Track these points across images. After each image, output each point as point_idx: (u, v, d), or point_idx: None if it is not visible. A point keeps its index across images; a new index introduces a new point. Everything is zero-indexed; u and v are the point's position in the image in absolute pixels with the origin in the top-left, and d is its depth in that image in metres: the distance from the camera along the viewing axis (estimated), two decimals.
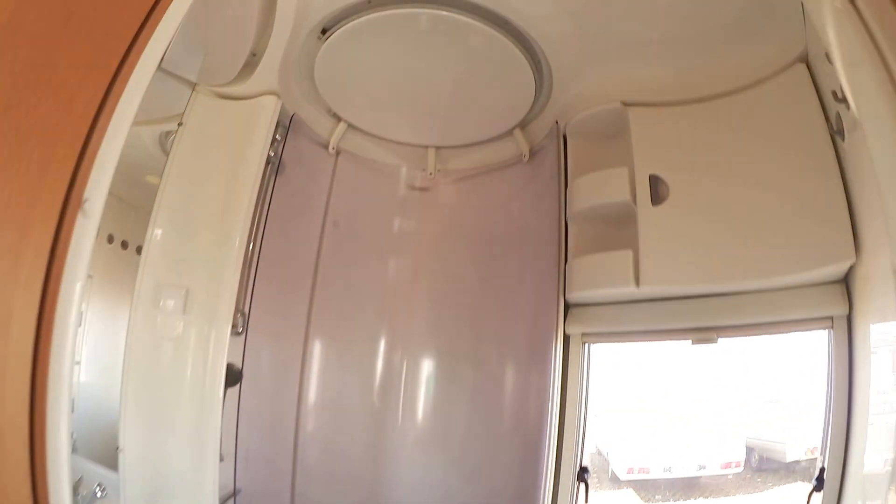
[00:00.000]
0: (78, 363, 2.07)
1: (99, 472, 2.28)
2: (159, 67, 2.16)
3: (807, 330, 2.29)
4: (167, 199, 2.46)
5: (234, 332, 2.61)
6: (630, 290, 2.51)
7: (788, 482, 3.03)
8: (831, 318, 2.16)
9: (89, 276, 1.95)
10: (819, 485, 2.08)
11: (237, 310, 2.59)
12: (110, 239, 2.31)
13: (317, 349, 3.18)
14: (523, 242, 3.20)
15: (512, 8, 2.53)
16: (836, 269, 2.12)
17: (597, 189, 2.74)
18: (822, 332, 2.21)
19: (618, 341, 2.80)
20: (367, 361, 3.30)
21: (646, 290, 2.50)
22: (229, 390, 2.55)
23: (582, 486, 2.70)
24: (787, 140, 2.31)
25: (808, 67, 2.33)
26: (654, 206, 2.54)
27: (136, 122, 2.08)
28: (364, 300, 3.34)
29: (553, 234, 2.90)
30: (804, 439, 2.87)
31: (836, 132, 2.10)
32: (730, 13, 2.39)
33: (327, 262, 3.23)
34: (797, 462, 3.03)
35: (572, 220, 2.88)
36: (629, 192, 2.60)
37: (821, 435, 2.15)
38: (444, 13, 2.53)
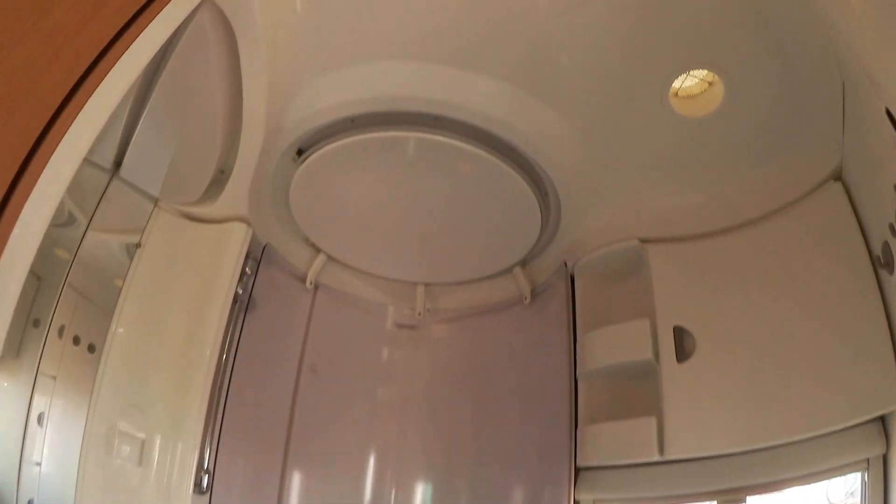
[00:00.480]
0: (38, 464, 1.82)
1: None
2: (117, 176, 2.05)
3: (841, 475, 2.01)
4: (122, 335, 2.13)
5: (198, 491, 2.28)
6: (652, 459, 2.21)
7: None
8: (867, 460, 1.90)
9: (52, 377, 1.88)
10: None
11: (200, 466, 2.27)
12: (76, 340, 2.02)
13: (294, 494, 2.79)
14: (526, 396, 2.85)
15: (515, 131, 2.30)
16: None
17: (613, 346, 2.44)
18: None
19: None
20: None
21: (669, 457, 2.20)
22: None
23: None
24: (824, 271, 2.08)
25: (844, 186, 2.11)
26: (679, 364, 2.25)
27: (94, 229, 1.98)
28: (344, 449, 2.96)
29: (562, 392, 2.58)
30: None
31: (882, 265, 1.84)
32: (761, 128, 2.21)
33: (304, 407, 2.86)
34: None
35: (584, 378, 2.56)
36: (651, 349, 2.31)
37: None
38: (438, 137, 2.30)
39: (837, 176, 2.14)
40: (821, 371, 1.96)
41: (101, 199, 2.02)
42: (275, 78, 2.14)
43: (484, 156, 2.33)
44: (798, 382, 2.00)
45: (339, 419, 2.95)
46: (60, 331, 1.91)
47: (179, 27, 1.51)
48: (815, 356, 1.99)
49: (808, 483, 2.09)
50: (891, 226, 1.69)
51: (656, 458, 2.17)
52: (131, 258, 2.24)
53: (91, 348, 2.07)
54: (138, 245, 2.25)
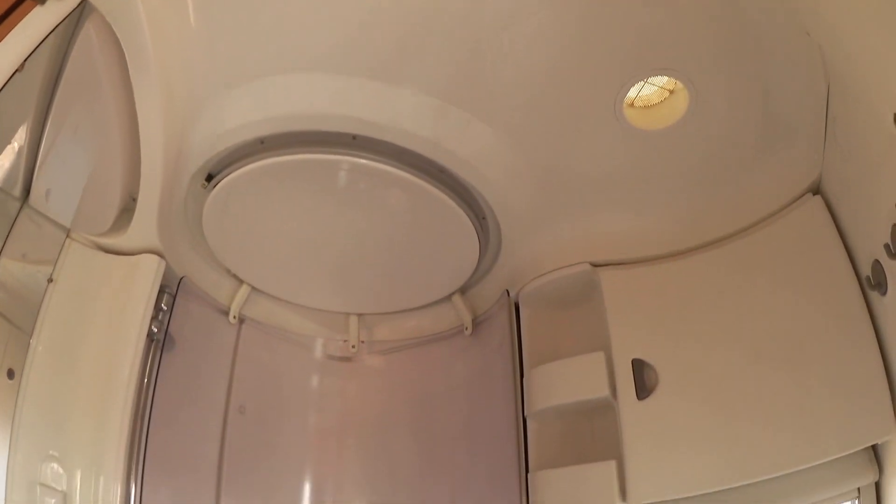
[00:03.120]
0: None
1: None
2: (27, 205, 1.92)
3: None
4: (36, 380, 1.94)
5: None
6: None
7: None
8: (858, 489, 1.77)
9: None
10: None
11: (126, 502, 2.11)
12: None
13: None
14: (472, 436, 2.65)
15: (445, 151, 2.10)
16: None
17: (565, 383, 2.23)
18: None
19: None
20: None
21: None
22: None
23: None
24: (803, 292, 1.90)
25: (825, 199, 1.93)
26: (639, 401, 2.04)
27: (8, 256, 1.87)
28: (281, 488, 2.76)
29: (509, 434, 2.38)
30: None
31: (872, 285, 1.66)
32: (729, 140, 2.04)
33: (234, 444, 2.64)
34: None
35: (533, 418, 2.35)
36: (607, 385, 2.11)
37: None
38: (358, 160, 2.10)
39: (816, 189, 1.97)
40: (804, 402, 1.79)
41: (12, 227, 1.88)
42: (173, 96, 1.92)
43: (410, 179, 2.14)
44: (777, 416, 1.83)
45: (274, 455, 2.76)
46: None
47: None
48: (797, 386, 1.82)
49: None
50: (886, 246, 1.51)
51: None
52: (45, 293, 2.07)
53: (10, 374, 1.91)
54: (50, 280, 2.08)
